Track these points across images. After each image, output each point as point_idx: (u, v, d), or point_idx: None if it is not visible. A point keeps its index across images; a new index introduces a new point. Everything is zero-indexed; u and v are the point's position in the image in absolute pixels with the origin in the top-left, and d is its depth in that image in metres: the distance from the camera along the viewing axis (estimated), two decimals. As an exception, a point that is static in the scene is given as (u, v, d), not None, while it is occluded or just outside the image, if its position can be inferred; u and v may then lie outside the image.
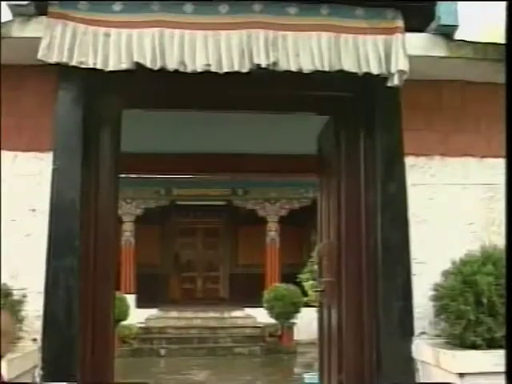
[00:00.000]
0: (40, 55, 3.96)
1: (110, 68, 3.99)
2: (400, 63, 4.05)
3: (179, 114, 5.56)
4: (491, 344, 3.77)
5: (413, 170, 4.58)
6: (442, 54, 4.32)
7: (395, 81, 4.09)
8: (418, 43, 4.29)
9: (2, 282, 3.99)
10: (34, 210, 4.30)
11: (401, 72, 4.06)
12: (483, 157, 4.66)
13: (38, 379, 4.12)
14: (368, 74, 4.11)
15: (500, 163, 4.35)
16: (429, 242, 4.49)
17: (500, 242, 4.14)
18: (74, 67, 4.03)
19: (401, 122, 4.55)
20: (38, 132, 4.38)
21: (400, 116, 4.55)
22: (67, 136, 4.33)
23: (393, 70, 4.07)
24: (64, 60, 3.99)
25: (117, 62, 3.99)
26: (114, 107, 4.70)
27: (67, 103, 4.35)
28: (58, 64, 4.03)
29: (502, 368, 3.54)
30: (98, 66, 4.00)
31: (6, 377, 3.18)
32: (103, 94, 4.57)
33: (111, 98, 4.64)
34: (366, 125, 4.70)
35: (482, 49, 4.35)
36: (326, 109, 4.96)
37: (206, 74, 4.03)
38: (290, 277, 15.52)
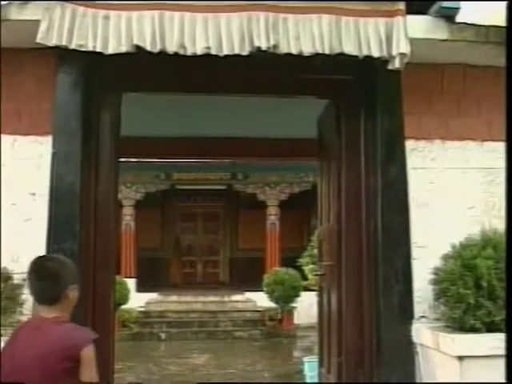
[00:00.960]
0: (39, 38, 3.92)
1: (110, 51, 3.96)
2: (401, 46, 4.02)
3: (179, 97, 5.54)
4: (490, 327, 3.79)
5: (413, 153, 4.57)
6: (444, 37, 4.30)
7: (396, 64, 4.06)
8: (420, 26, 4.26)
9: (3, 265, 4.00)
10: (33, 194, 4.30)
11: (402, 55, 4.03)
12: (484, 140, 4.65)
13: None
14: (369, 57, 4.08)
15: (501, 147, 4.35)
16: (429, 225, 4.49)
17: (500, 226, 4.15)
18: (74, 50, 3.99)
19: (401, 105, 4.54)
20: (38, 116, 4.37)
21: (401, 99, 4.54)
22: (67, 120, 4.32)
23: (394, 52, 4.04)
24: (63, 43, 3.96)
25: (116, 44, 3.96)
26: (113, 91, 4.67)
27: (67, 87, 4.33)
28: (57, 47, 4.00)
29: (501, 351, 3.56)
30: (98, 49, 3.97)
31: None
32: (103, 78, 4.55)
33: (111, 81, 4.61)
34: (366, 108, 4.68)
35: (483, 32, 4.32)
36: (327, 92, 4.93)
37: (206, 57, 4.01)
38: (289, 261, 15.55)
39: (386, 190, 4.46)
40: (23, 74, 4.38)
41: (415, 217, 4.49)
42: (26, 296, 4.06)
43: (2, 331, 3.71)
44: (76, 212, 4.25)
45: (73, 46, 3.97)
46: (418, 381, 4.30)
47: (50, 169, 4.29)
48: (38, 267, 3.00)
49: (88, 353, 2.89)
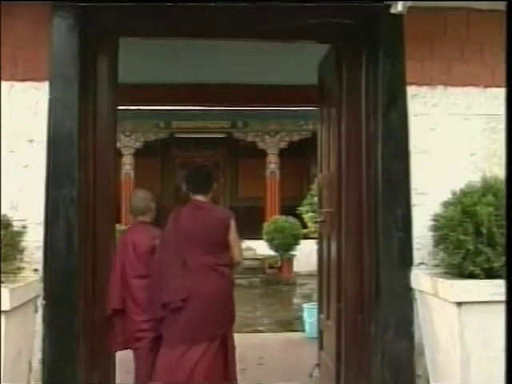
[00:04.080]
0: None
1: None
2: (404, -12, 3.93)
3: (178, 43, 5.44)
4: (489, 274, 3.80)
5: (415, 99, 4.51)
6: (448, -20, 4.20)
7: (399, 7, 3.98)
8: (423, -32, 4.16)
9: (2, 213, 3.99)
10: (31, 141, 4.26)
11: (405, -3, 3.95)
12: (486, 87, 4.58)
13: (40, 309, 4.18)
14: (371, 0, 3.99)
15: (504, 93, 4.28)
16: (429, 172, 4.47)
17: (501, 172, 4.13)
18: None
19: (404, 50, 4.46)
20: (34, 61, 4.30)
21: (403, 45, 4.45)
22: (63, 65, 4.25)
23: (397, -5, 3.95)
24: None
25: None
26: (110, 35, 4.59)
27: (63, 31, 4.26)
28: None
29: (499, 297, 3.59)
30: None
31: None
32: (99, 22, 4.46)
33: (108, 25, 4.53)
34: (368, 54, 4.60)
35: (488, -26, 4.22)
36: (328, 37, 4.84)
37: (205, 1, 3.92)
38: (289, 209, 15.62)
39: (387, 137, 4.42)
40: (18, 19, 4.28)
41: (416, 163, 4.46)
42: (26, 243, 4.09)
43: (2, 278, 3.74)
44: (74, 158, 4.22)
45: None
46: (415, 326, 4.35)
47: (48, 115, 4.24)
48: (199, 169, 5.08)
49: (233, 223, 4.57)
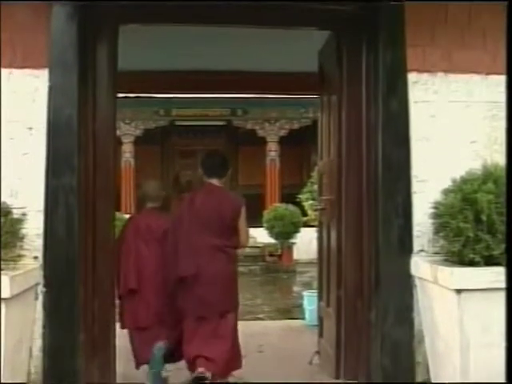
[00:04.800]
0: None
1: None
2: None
3: (178, 29, 5.42)
4: (489, 261, 3.80)
5: (415, 86, 4.49)
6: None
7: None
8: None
9: (2, 200, 3.98)
10: (30, 129, 4.26)
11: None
12: (488, 73, 4.56)
13: (40, 296, 4.18)
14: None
15: (505, 80, 4.27)
16: (430, 159, 4.46)
17: (502, 160, 4.12)
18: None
19: (404, 37, 4.43)
20: (33, 48, 4.28)
21: (404, 31, 4.43)
22: (63, 52, 4.24)
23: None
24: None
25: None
26: (110, 22, 4.56)
27: (62, 18, 4.23)
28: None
29: (498, 285, 3.60)
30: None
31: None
32: (99, 9, 4.43)
33: (107, 12, 4.50)
34: (368, 40, 4.58)
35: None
36: (328, 24, 4.82)
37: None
38: (289, 197, 15.62)
39: (387, 124, 4.41)
40: (17, 5, 4.25)
41: (416, 151, 4.44)
42: (26, 231, 4.09)
43: (2, 265, 3.74)
44: (74, 146, 4.21)
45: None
46: (415, 313, 4.35)
47: (47, 103, 4.23)
48: (215, 154, 5.27)
49: (243, 209, 4.79)
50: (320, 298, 5.71)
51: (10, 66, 4.26)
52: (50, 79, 4.23)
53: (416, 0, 4.34)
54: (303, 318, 7.47)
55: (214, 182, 4.87)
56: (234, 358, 4.74)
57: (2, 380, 3.64)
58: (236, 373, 4.81)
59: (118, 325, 4.85)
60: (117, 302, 4.86)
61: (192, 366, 4.61)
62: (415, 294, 4.36)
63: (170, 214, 5.13)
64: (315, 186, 9.41)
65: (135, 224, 5.04)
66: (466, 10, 4.55)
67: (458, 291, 3.74)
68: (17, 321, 3.88)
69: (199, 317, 4.65)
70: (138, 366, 4.93)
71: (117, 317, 4.83)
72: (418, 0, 4.36)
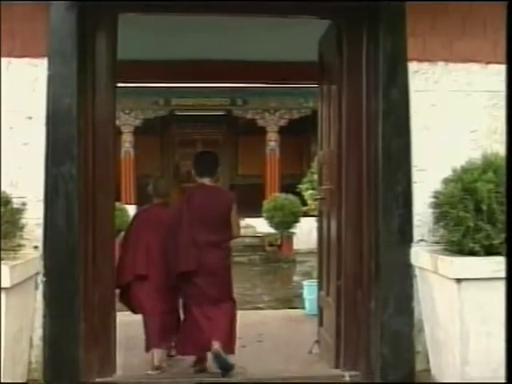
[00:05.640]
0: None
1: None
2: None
3: (177, 18, 5.40)
4: (489, 250, 3.81)
5: (416, 76, 4.48)
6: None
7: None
8: None
9: (2, 190, 3.98)
10: (30, 118, 4.25)
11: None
12: (488, 63, 4.55)
13: (40, 286, 4.19)
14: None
15: (505, 69, 4.26)
16: (430, 149, 4.45)
17: (502, 150, 4.11)
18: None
19: (405, 26, 4.42)
20: (32, 37, 4.28)
21: (404, 20, 4.41)
22: (62, 41, 4.23)
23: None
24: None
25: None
26: (109, 11, 4.54)
27: (61, 7, 4.22)
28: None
29: (498, 274, 3.61)
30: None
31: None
32: (98, -3, 4.42)
33: (107, 1, 4.47)
34: (368, 29, 4.57)
35: None
36: (328, 13, 4.80)
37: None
38: (289, 187, 15.61)
39: (388, 113, 4.40)
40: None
41: (416, 140, 4.44)
42: (26, 220, 4.09)
43: (2, 255, 3.74)
44: (74, 135, 4.21)
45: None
46: (415, 303, 4.36)
47: (47, 92, 4.22)
48: (205, 154, 5.69)
49: (234, 203, 5.16)
50: (320, 287, 5.71)
51: (10, 55, 4.25)
52: (50, 68, 4.22)
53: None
54: (303, 308, 7.48)
55: (206, 181, 5.16)
56: (233, 341, 5.01)
57: (3, 369, 3.65)
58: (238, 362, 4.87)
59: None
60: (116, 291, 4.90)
61: (205, 348, 4.87)
62: (415, 284, 4.37)
63: (173, 208, 5.39)
64: (315, 176, 9.40)
65: (147, 216, 5.39)
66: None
67: (458, 281, 3.75)
68: (17, 310, 3.89)
69: (200, 305, 4.94)
70: (147, 349, 5.04)
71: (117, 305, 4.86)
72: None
